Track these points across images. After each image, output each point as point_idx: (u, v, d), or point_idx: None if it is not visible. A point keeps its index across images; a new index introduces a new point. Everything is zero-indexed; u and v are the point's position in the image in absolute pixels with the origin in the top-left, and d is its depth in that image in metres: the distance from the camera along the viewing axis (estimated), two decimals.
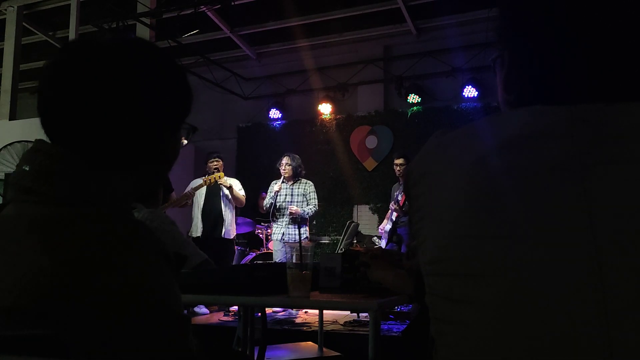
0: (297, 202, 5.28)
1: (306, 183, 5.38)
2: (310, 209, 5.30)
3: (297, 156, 5.42)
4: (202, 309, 5.03)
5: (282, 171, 5.31)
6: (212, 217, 5.36)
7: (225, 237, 5.40)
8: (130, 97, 0.72)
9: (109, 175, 0.73)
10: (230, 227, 5.45)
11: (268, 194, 5.41)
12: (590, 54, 0.62)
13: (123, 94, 0.72)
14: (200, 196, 5.38)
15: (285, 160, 5.32)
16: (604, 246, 0.53)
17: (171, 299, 0.68)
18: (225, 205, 5.41)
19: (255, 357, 2.39)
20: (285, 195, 5.31)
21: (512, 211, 0.58)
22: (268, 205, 5.36)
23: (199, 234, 5.32)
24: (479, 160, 0.62)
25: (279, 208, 5.29)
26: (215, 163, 5.37)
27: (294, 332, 4.08)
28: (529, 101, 0.64)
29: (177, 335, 0.67)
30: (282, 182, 5.34)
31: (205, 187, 5.30)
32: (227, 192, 5.40)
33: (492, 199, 0.59)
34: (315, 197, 5.38)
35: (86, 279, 0.62)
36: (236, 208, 5.60)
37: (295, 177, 5.36)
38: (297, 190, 5.34)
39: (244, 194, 5.50)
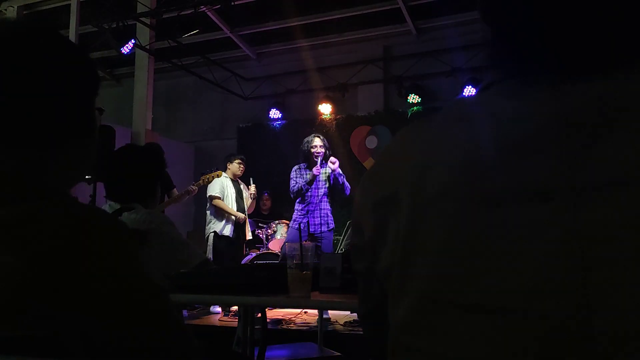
0: (324, 187, 4.77)
1: (327, 167, 4.79)
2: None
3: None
4: (215, 308, 5.06)
5: (315, 153, 4.71)
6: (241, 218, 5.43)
7: (249, 237, 5.52)
8: (33, 77, 0.73)
9: (37, 158, 0.73)
10: (248, 227, 5.55)
11: (296, 178, 4.83)
12: (577, 22, 0.52)
13: (24, 74, 0.73)
14: (232, 194, 5.38)
15: (317, 141, 4.75)
16: (593, 293, 0.45)
17: (144, 275, 0.69)
18: (247, 207, 5.49)
19: (255, 357, 2.39)
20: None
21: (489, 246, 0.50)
22: (303, 189, 4.74)
23: (228, 233, 5.32)
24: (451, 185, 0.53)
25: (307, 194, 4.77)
26: (242, 167, 5.45)
27: (294, 332, 4.08)
28: (512, 77, 0.56)
29: (158, 310, 0.69)
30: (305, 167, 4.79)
31: (233, 188, 5.37)
32: (246, 193, 5.47)
33: (470, 235, 0.51)
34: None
35: (58, 271, 0.62)
36: None
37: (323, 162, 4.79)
38: (324, 176, 4.79)
39: None
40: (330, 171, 4.76)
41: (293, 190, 4.82)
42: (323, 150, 4.79)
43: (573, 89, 0.50)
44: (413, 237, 0.54)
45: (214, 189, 5.27)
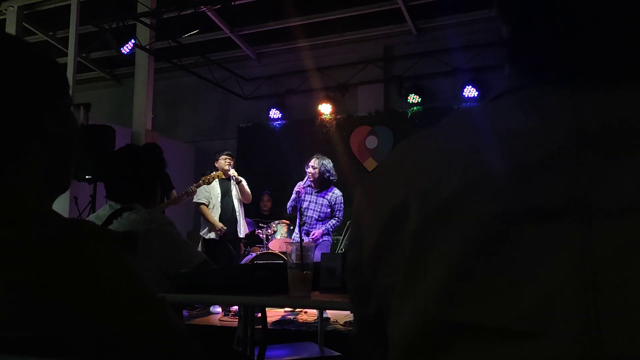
0: (322, 212, 4.94)
1: (333, 192, 4.99)
2: (333, 223, 4.94)
3: (328, 159, 5.01)
4: (215, 308, 5.06)
5: (307, 174, 4.92)
6: (230, 216, 5.37)
7: (241, 236, 5.45)
8: None
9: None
10: (243, 225, 5.48)
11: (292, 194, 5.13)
12: (599, 26, 0.51)
13: None
14: (216, 197, 5.35)
15: (312, 162, 4.92)
16: (604, 315, 0.43)
17: (136, 280, 0.69)
18: (238, 202, 5.41)
19: (256, 357, 2.39)
20: (309, 202, 4.98)
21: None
22: (290, 210, 5.07)
23: (214, 236, 5.30)
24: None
25: (302, 214, 4.98)
26: (229, 160, 5.38)
27: (294, 332, 4.09)
28: (529, 82, 0.54)
29: (154, 315, 0.68)
30: (308, 185, 4.97)
31: (218, 186, 5.33)
32: (236, 189, 5.41)
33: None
34: (342, 208, 4.96)
35: (48, 285, 0.62)
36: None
37: (322, 184, 4.97)
38: (322, 200, 4.96)
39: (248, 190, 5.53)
40: (332, 199, 4.93)
41: (287, 206, 5.07)
42: (315, 171, 4.88)
43: (592, 104, 0.48)
44: (419, 253, 0.52)
45: (198, 195, 5.29)
